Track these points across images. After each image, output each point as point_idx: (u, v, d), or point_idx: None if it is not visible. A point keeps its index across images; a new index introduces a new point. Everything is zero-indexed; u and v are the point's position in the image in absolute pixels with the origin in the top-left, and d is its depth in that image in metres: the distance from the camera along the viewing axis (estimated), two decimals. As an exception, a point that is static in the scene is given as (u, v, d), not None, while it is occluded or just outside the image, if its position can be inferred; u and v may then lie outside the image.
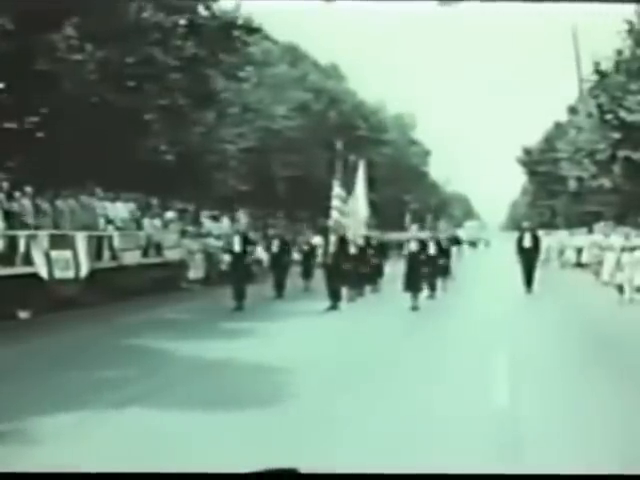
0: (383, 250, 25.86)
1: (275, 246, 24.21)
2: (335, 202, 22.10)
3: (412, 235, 21.14)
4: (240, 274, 20.27)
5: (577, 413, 9.39)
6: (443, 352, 13.71)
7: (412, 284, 20.01)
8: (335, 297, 20.18)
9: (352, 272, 21.94)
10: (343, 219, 22.05)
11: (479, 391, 10.50)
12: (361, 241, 23.38)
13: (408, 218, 24.19)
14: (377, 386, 10.85)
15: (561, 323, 17.99)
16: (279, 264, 23.81)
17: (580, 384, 11.10)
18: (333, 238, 21.06)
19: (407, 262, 20.38)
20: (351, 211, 22.96)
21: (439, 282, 23.76)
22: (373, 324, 17.50)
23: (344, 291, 21.01)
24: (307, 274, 25.44)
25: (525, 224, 26.83)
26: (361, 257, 22.84)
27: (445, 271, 25.05)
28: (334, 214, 21.77)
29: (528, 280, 24.56)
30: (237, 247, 20.52)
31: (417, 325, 17.66)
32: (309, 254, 25.43)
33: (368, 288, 23.80)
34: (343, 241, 21.33)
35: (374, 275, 24.49)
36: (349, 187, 23.68)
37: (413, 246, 20.51)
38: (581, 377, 11.65)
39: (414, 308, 19.66)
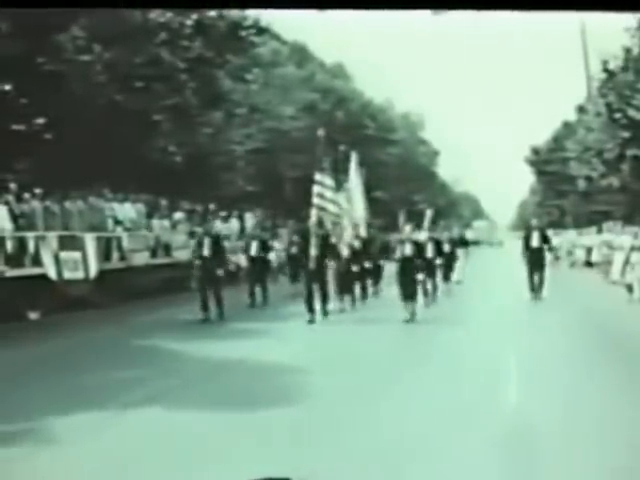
0: (384, 253, 23.09)
1: (254, 248, 21.88)
2: (317, 200, 19.24)
3: (406, 236, 18.78)
4: (208, 281, 18.38)
5: (590, 417, 9.28)
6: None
7: (406, 292, 17.91)
8: (313, 309, 18.01)
9: (342, 278, 19.98)
10: (329, 218, 19.63)
11: (486, 402, 10.33)
12: (357, 243, 20.88)
13: (402, 217, 22.44)
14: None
15: (571, 323, 17.81)
16: (257, 268, 21.57)
17: (591, 387, 10.95)
18: (314, 239, 18.49)
19: (400, 267, 18.22)
20: (344, 210, 20.39)
21: (441, 287, 22.11)
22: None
23: (333, 299, 19.18)
24: (295, 278, 22.17)
25: (533, 222, 25.04)
26: (355, 261, 20.48)
27: (448, 275, 23.37)
28: (315, 212, 19.05)
29: (538, 283, 22.48)
30: (206, 251, 18.58)
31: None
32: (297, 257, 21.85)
33: (364, 293, 21.48)
34: (327, 242, 18.94)
35: (371, 281, 22.37)
36: (339, 183, 21.01)
37: (407, 249, 18.23)
38: (592, 380, 11.46)
39: (408, 320, 17.65)
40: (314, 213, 18.99)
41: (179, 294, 22.74)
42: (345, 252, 20.26)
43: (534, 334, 16.31)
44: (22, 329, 16.21)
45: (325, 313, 18.21)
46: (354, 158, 22.22)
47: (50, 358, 13.07)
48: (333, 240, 19.53)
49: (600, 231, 37.05)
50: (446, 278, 23.25)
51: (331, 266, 18.99)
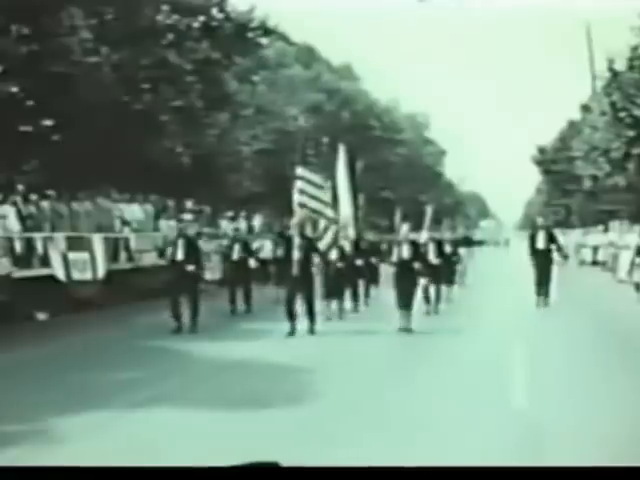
0: (378, 254, 21.43)
1: (235, 252, 20.14)
2: (299, 197, 17.43)
3: (403, 237, 16.80)
4: (180, 286, 16.39)
5: (599, 418, 9.15)
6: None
7: (404, 300, 16.12)
8: (294, 318, 15.82)
9: (330, 283, 18.34)
10: (313, 217, 17.89)
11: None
12: (348, 246, 18.84)
13: (397, 216, 20.13)
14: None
15: (579, 324, 17.63)
16: (239, 273, 19.85)
17: (600, 388, 10.81)
18: (297, 241, 15.96)
19: (396, 272, 16.45)
20: (330, 208, 18.26)
21: (443, 292, 20.39)
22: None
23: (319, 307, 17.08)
24: (280, 282, 19.71)
25: (539, 221, 23.22)
26: (344, 265, 18.54)
27: (450, 279, 21.52)
28: (298, 211, 17.16)
29: (545, 286, 20.93)
30: (180, 254, 16.52)
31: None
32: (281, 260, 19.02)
33: (355, 299, 19.75)
34: (311, 245, 16.51)
35: (365, 286, 20.56)
36: (326, 178, 18.76)
37: (405, 251, 16.36)
38: (600, 381, 11.26)
39: (405, 330, 15.91)
40: (297, 212, 17.07)
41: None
42: (333, 255, 18.24)
43: (541, 338, 15.76)
44: (30, 330, 16.28)
45: (311, 331, 15.95)
46: (342, 150, 19.87)
47: (58, 358, 13.10)
48: (318, 242, 17.46)
49: (607, 230, 37.10)
50: (449, 281, 21.55)
51: (316, 271, 16.89)
